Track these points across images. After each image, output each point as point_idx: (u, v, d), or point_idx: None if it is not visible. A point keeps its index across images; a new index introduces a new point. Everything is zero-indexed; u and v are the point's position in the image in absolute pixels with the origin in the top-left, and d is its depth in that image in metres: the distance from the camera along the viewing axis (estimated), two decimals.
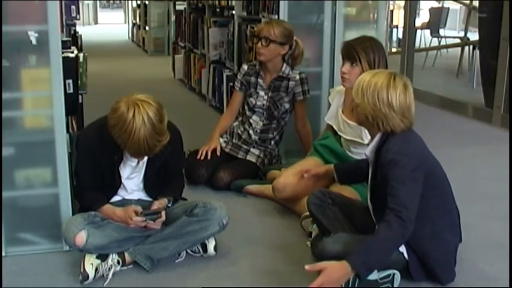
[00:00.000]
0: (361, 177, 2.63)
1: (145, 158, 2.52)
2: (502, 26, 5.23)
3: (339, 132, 3.12)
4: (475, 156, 4.40)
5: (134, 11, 13.27)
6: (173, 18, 8.81)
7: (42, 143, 2.60)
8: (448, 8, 10.03)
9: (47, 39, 2.48)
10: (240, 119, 3.79)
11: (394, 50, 10.44)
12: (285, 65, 3.60)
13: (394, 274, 2.32)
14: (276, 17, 3.91)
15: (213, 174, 3.55)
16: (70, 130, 3.02)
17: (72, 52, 3.04)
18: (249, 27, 4.48)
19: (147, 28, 11.34)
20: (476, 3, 7.72)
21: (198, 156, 3.59)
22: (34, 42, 2.48)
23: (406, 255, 2.32)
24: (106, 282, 2.42)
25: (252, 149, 3.67)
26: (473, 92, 6.81)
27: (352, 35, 3.56)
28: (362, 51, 2.89)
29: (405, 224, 2.14)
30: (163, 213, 2.49)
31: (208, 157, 3.59)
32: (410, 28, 7.03)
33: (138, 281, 2.46)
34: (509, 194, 3.40)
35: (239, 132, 3.73)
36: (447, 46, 9.49)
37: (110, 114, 2.34)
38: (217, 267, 2.57)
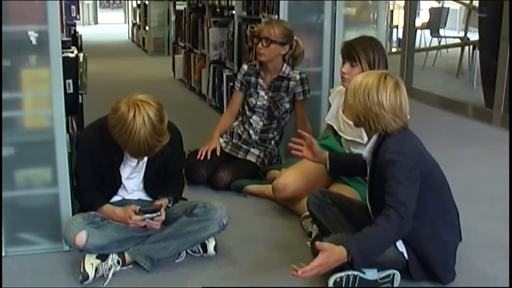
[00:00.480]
0: (353, 173, 2.63)
1: (146, 158, 2.52)
2: (502, 26, 5.23)
3: (339, 132, 3.12)
4: (475, 156, 4.40)
5: (134, 11, 13.27)
6: (173, 18, 8.81)
7: (42, 143, 2.60)
8: (448, 8, 10.03)
9: (47, 39, 2.48)
10: (240, 119, 3.79)
11: (394, 50, 10.44)
12: (285, 65, 3.60)
13: (394, 274, 2.32)
14: (276, 17, 3.91)
15: (213, 174, 3.55)
16: (70, 130, 3.02)
17: (72, 52, 3.04)
18: (249, 27, 4.48)
19: (147, 28, 11.33)
20: (476, 3, 7.72)
21: (198, 157, 3.59)
22: (34, 42, 2.48)
23: (406, 255, 2.32)
24: (106, 282, 2.42)
25: (252, 149, 3.67)
26: (473, 92, 6.81)
27: (352, 35, 3.56)
28: (362, 52, 2.89)
29: (403, 220, 2.14)
30: (162, 211, 2.49)
31: (208, 157, 3.59)
32: (410, 28, 7.03)
33: (138, 281, 2.46)
34: (509, 194, 3.40)
35: (239, 132, 3.73)
36: (447, 46, 9.49)
37: (110, 114, 2.34)
38: (217, 267, 2.57)
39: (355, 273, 2.27)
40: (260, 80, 3.65)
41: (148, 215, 2.46)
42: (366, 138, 2.85)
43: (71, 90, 2.84)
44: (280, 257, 2.66)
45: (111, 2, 25.29)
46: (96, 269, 2.42)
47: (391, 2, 10.29)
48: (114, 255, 2.48)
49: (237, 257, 2.67)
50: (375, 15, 4.20)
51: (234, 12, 5.00)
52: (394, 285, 2.33)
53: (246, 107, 3.71)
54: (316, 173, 3.11)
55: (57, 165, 2.60)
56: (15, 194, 2.61)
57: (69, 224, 2.45)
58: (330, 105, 3.26)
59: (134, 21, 13.36)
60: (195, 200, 2.67)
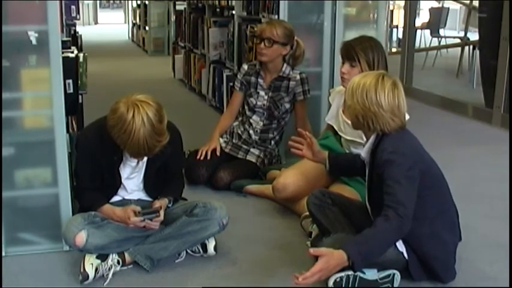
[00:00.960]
0: (353, 173, 2.63)
1: (145, 158, 2.52)
2: (502, 26, 5.23)
3: (339, 132, 3.12)
4: (475, 156, 4.40)
5: (134, 11, 13.27)
6: (173, 18, 8.81)
7: (42, 143, 2.60)
8: (448, 8, 10.03)
9: (47, 39, 2.48)
10: (240, 119, 3.79)
11: (394, 50, 10.44)
12: (285, 65, 3.60)
13: (394, 274, 2.32)
14: (276, 17, 3.91)
15: (213, 174, 3.54)
16: (70, 130, 3.02)
17: (72, 52, 3.04)
18: (249, 27, 4.48)
19: (147, 28, 11.33)
20: (476, 3, 7.72)
21: (198, 157, 3.59)
22: (34, 42, 2.48)
23: (406, 255, 2.32)
24: (106, 282, 2.42)
25: (252, 149, 3.67)
26: (473, 92, 6.81)
27: (352, 35, 3.56)
28: (361, 52, 2.89)
29: (402, 220, 2.14)
30: (161, 212, 2.49)
31: (208, 157, 3.59)
32: (410, 28, 7.03)
33: (138, 281, 2.46)
34: (509, 194, 3.40)
35: (239, 132, 3.73)
36: (447, 46, 9.49)
37: (109, 114, 2.33)
38: (217, 267, 2.57)
39: (355, 273, 2.27)
40: (260, 80, 3.64)
41: (147, 216, 2.46)
42: (365, 139, 2.86)
43: (71, 90, 2.84)
44: (280, 257, 2.66)
45: (111, 2, 25.28)
46: (96, 269, 2.42)
47: (391, 2, 10.29)
48: (114, 255, 2.48)
49: (237, 257, 2.67)
50: (375, 15, 4.20)
51: (234, 12, 5.00)
52: (394, 285, 2.33)
53: (246, 107, 3.71)
54: (316, 173, 3.11)
55: (57, 165, 2.60)
56: (15, 194, 2.61)
57: (69, 224, 2.45)
58: (330, 105, 3.26)
59: (134, 21, 13.36)
60: (195, 200, 2.67)
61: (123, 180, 2.59)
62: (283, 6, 3.84)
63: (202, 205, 2.57)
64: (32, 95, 2.60)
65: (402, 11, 8.27)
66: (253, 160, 3.64)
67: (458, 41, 8.97)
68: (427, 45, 9.75)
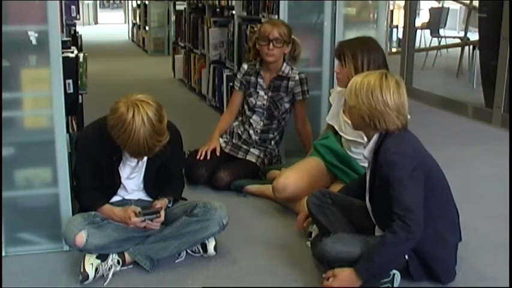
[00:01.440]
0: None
1: (145, 158, 2.52)
2: (502, 26, 5.23)
3: (339, 132, 3.12)
4: (475, 156, 4.40)
5: (134, 11, 13.27)
6: (173, 18, 8.81)
7: (42, 143, 2.60)
8: (448, 8, 10.02)
9: (47, 39, 2.48)
10: (240, 119, 3.78)
11: (394, 50, 10.44)
12: (284, 64, 3.60)
13: (394, 274, 2.32)
14: (276, 17, 3.91)
15: (213, 174, 3.54)
16: (70, 130, 3.02)
17: (72, 52, 3.04)
18: (249, 27, 4.48)
19: (147, 28, 11.34)
20: (476, 3, 7.72)
21: (198, 157, 3.59)
22: (34, 42, 2.48)
23: (406, 255, 2.32)
24: (106, 282, 2.42)
25: (251, 149, 3.67)
26: (473, 92, 6.81)
27: (352, 35, 3.56)
28: (349, 53, 2.91)
29: (409, 228, 2.15)
30: (162, 213, 2.49)
31: (208, 157, 3.59)
32: (410, 28, 7.03)
33: (138, 281, 2.46)
34: (509, 194, 3.40)
35: (239, 132, 3.72)
36: (447, 46, 9.49)
37: (109, 114, 2.33)
38: (217, 267, 2.57)
39: None
40: (260, 80, 3.65)
41: (148, 217, 2.46)
42: (366, 139, 2.86)
43: (71, 90, 2.84)
44: (280, 257, 2.66)
45: (111, 2, 25.28)
46: (96, 269, 2.42)
47: (391, 2, 10.29)
48: (114, 255, 2.48)
49: (237, 257, 2.67)
50: (375, 15, 4.20)
51: (234, 12, 5.00)
52: (394, 285, 2.32)
53: (245, 107, 3.71)
54: (316, 173, 3.12)
55: (57, 165, 2.60)
56: (15, 194, 2.61)
57: (69, 224, 2.45)
58: (330, 105, 3.26)
59: (134, 21, 13.36)
60: (195, 200, 2.67)
61: (123, 180, 2.59)
62: (283, 6, 3.85)
63: (202, 205, 2.57)
64: (32, 95, 2.60)
65: (402, 11, 8.28)
66: (253, 160, 3.64)
67: (458, 41, 8.97)
68: (427, 45, 9.75)
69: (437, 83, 7.76)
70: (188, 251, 2.63)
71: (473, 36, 7.87)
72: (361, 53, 2.89)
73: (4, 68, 2.46)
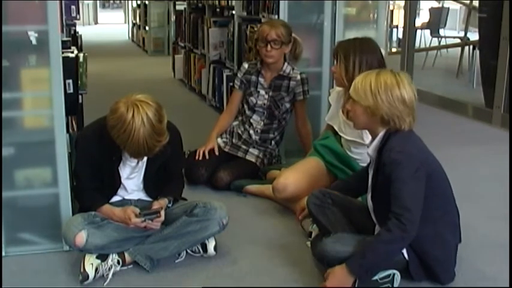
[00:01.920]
0: (351, 194, 2.68)
1: (145, 158, 2.52)
2: (502, 26, 5.23)
3: (339, 133, 3.12)
4: (475, 156, 4.40)
5: (134, 11, 13.27)
6: (173, 18, 8.81)
7: (42, 143, 2.60)
8: (448, 8, 10.03)
9: (47, 39, 2.48)
10: (240, 118, 3.78)
11: (394, 50, 10.43)
12: (285, 63, 3.60)
13: (394, 274, 2.32)
14: (276, 17, 3.91)
15: (213, 174, 3.54)
16: (70, 130, 3.02)
17: (72, 52, 3.04)
18: (249, 27, 4.48)
19: (147, 28, 11.34)
20: (476, 3, 7.72)
21: (196, 157, 3.59)
22: (34, 42, 2.48)
23: (406, 255, 2.32)
24: (106, 282, 2.42)
25: (251, 149, 3.66)
26: (473, 92, 6.81)
27: (352, 35, 3.55)
28: (341, 53, 2.91)
29: (405, 228, 2.16)
30: (162, 213, 2.49)
31: (206, 157, 3.59)
32: (410, 28, 7.03)
33: (138, 281, 2.46)
34: (509, 194, 3.40)
35: (239, 132, 3.72)
36: (447, 46, 9.49)
37: (109, 114, 2.33)
38: (217, 267, 2.57)
39: None
40: (261, 79, 3.64)
41: (148, 217, 2.46)
42: (366, 139, 2.86)
43: (71, 90, 2.84)
44: (280, 257, 2.66)
45: (111, 2, 25.28)
46: (96, 269, 2.42)
47: (391, 2, 10.28)
48: (114, 255, 2.48)
49: (237, 257, 2.67)
50: (375, 15, 4.20)
51: (234, 12, 5.00)
52: (394, 285, 2.32)
53: (245, 106, 3.71)
54: (316, 173, 3.11)
55: (57, 165, 2.60)
56: (15, 194, 2.61)
57: (69, 224, 2.45)
58: (330, 105, 3.26)
59: (134, 21, 13.36)
60: (195, 200, 2.67)
61: (123, 180, 2.59)
62: (283, 6, 3.84)
63: (202, 205, 2.57)
64: (32, 95, 2.60)
65: (402, 11, 8.27)
66: (253, 160, 3.64)
67: (458, 41, 8.97)
68: (427, 45, 9.75)
69: (437, 83, 7.76)
70: (188, 251, 2.63)
71: (473, 36, 7.87)
72: (353, 54, 2.89)
73: (4, 68, 2.45)
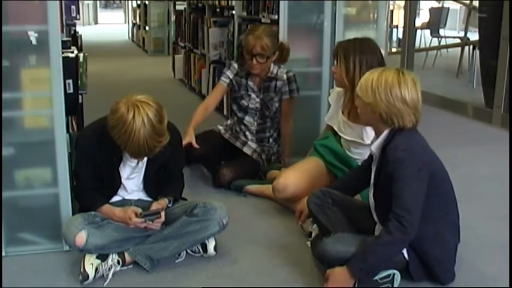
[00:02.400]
0: (349, 193, 2.68)
1: (145, 159, 2.52)
2: (502, 26, 5.23)
3: (339, 133, 3.12)
4: (475, 156, 4.40)
5: (134, 11, 13.27)
6: (173, 18, 8.80)
7: (42, 143, 2.60)
8: (448, 8, 10.03)
9: (47, 39, 2.48)
10: (235, 118, 3.79)
11: (394, 50, 10.44)
12: (272, 65, 3.60)
13: (394, 274, 2.32)
14: (276, 17, 3.91)
15: (216, 169, 3.57)
16: (70, 130, 3.02)
17: (72, 52, 3.04)
18: (249, 27, 4.47)
19: (147, 28, 11.34)
20: (476, 3, 7.72)
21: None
22: (34, 42, 2.48)
23: (406, 255, 2.32)
24: (106, 282, 2.42)
25: (249, 142, 3.68)
26: (473, 92, 6.81)
27: (352, 35, 3.55)
28: (341, 53, 2.91)
29: (405, 230, 2.16)
30: (162, 213, 2.49)
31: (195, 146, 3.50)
32: (410, 28, 7.03)
33: (138, 281, 2.46)
34: (509, 194, 3.40)
35: (237, 129, 3.74)
36: (447, 46, 9.50)
37: (109, 115, 2.33)
38: (217, 267, 2.57)
39: None
40: (250, 82, 3.64)
41: (148, 218, 2.46)
42: (366, 139, 2.86)
43: (71, 90, 2.84)
44: (280, 257, 2.66)
45: (111, 2, 25.28)
46: (96, 269, 2.42)
47: (391, 2, 10.26)
48: (114, 255, 2.48)
49: (237, 257, 2.67)
50: (375, 15, 4.19)
51: (234, 12, 5.00)
52: (394, 285, 2.33)
53: (235, 107, 3.71)
54: (317, 173, 3.11)
55: (57, 165, 2.60)
56: (15, 194, 2.61)
57: (69, 224, 2.45)
58: (329, 105, 3.26)
59: (134, 21, 13.37)
60: (195, 200, 2.67)
61: (123, 181, 2.59)
62: (283, 6, 3.84)
63: (202, 205, 2.57)
64: (32, 95, 2.60)
65: (402, 11, 8.28)
66: (249, 153, 3.65)
67: (458, 41, 8.97)
68: (427, 45, 9.75)
69: (437, 83, 7.76)
70: (188, 251, 2.64)
71: (473, 36, 7.87)
72: (353, 54, 2.88)
73: (4, 68, 2.46)
